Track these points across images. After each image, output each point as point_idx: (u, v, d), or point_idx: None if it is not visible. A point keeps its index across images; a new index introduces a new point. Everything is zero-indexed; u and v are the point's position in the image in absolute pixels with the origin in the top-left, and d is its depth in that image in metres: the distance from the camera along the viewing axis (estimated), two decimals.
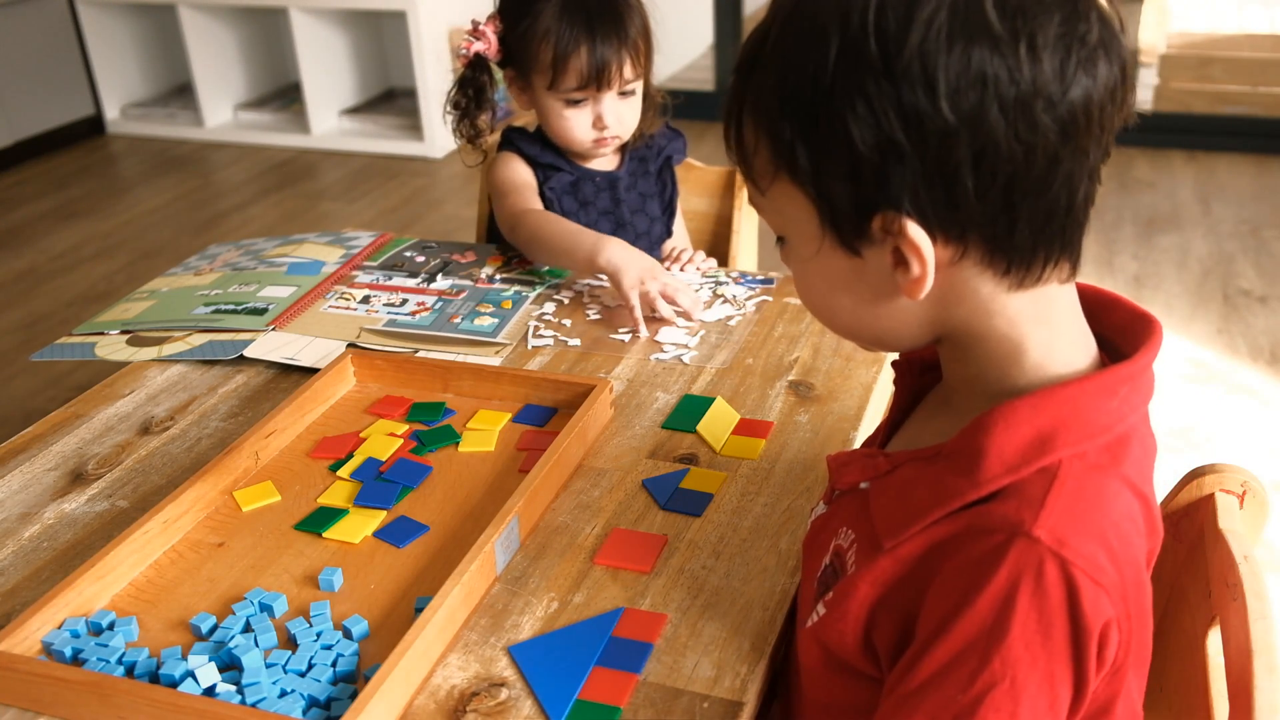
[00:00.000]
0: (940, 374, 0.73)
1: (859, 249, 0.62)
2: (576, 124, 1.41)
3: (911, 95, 0.55)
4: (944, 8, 0.55)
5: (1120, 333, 0.67)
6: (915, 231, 0.58)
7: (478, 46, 1.41)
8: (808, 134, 0.59)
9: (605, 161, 1.49)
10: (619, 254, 1.26)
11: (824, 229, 0.62)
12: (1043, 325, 0.63)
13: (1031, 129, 0.56)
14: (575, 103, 1.39)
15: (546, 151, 1.46)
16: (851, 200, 0.60)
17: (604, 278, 1.30)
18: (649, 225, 1.52)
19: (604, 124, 1.40)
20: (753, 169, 0.65)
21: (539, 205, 1.44)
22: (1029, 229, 0.59)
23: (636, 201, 1.51)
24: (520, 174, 1.46)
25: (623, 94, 1.40)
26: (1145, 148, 3.62)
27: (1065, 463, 0.60)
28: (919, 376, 0.76)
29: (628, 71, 1.37)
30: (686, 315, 1.27)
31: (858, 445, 1.02)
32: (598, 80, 1.36)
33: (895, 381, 0.77)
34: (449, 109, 1.47)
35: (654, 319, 1.26)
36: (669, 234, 1.55)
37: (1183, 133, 3.64)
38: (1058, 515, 0.58)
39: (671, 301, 1.25)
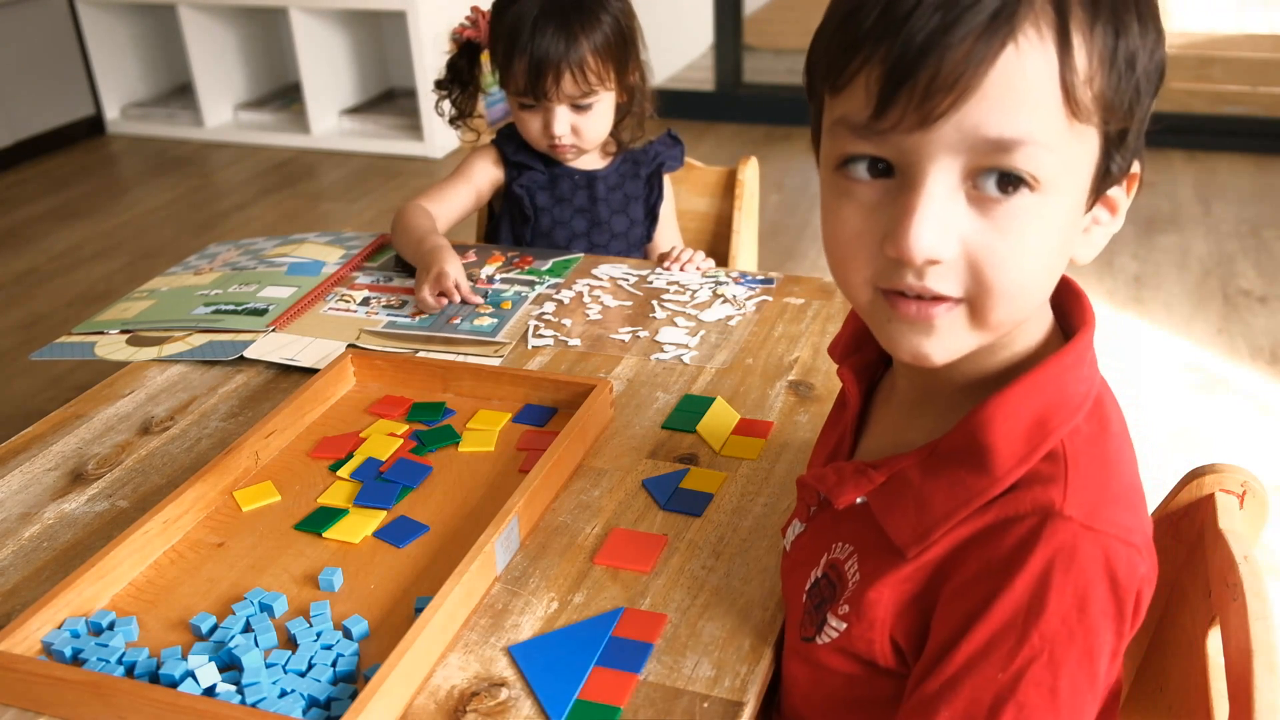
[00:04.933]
0: (875, 371, 0.75)
1: (1095, 202, 0.62)
2: (530, 127, 1.44)
3: (1163, 40, 0.59)
4: None
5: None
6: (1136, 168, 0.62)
7: (469, 32, 1.45)
8: (1151, 70, 0.58)
9: (589, 159, 1.50)
10: (426, 255, 1.32)
11: (1096, 176, 0.60)
12: None
13: None
14: (526, 106, 1.42)
15: (523, 150, 1.49)
16: (1138, 144, 0.61)
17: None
18: (628, 227, 1.53)
19: (552, 132, 1.41)
20: (1081, 98, 0.56)
21: (460, 201, 1.50)
22: None
23: (619, 202, 1.52)
24: (471, 169, 1.51)
25: (577, 107, 1.40)
26: (1145, 147, 3.61)
27: (1068, 441, 0.62)
28: (869, 378, 0.76)
29: (569, 87, 1.37)
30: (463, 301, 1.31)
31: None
32: (534, 91, 1.38)
33: (849, 385, 0.76)
34: (434, 88, 1.52)
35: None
36: (649, 239, 1.57)
37: (1183, 133, 3.64)
38: (1082, 492, 0.60)
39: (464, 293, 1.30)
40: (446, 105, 1.52)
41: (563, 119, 1.40)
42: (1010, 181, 0.56)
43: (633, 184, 1.53)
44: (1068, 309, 0.67)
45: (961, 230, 0.57)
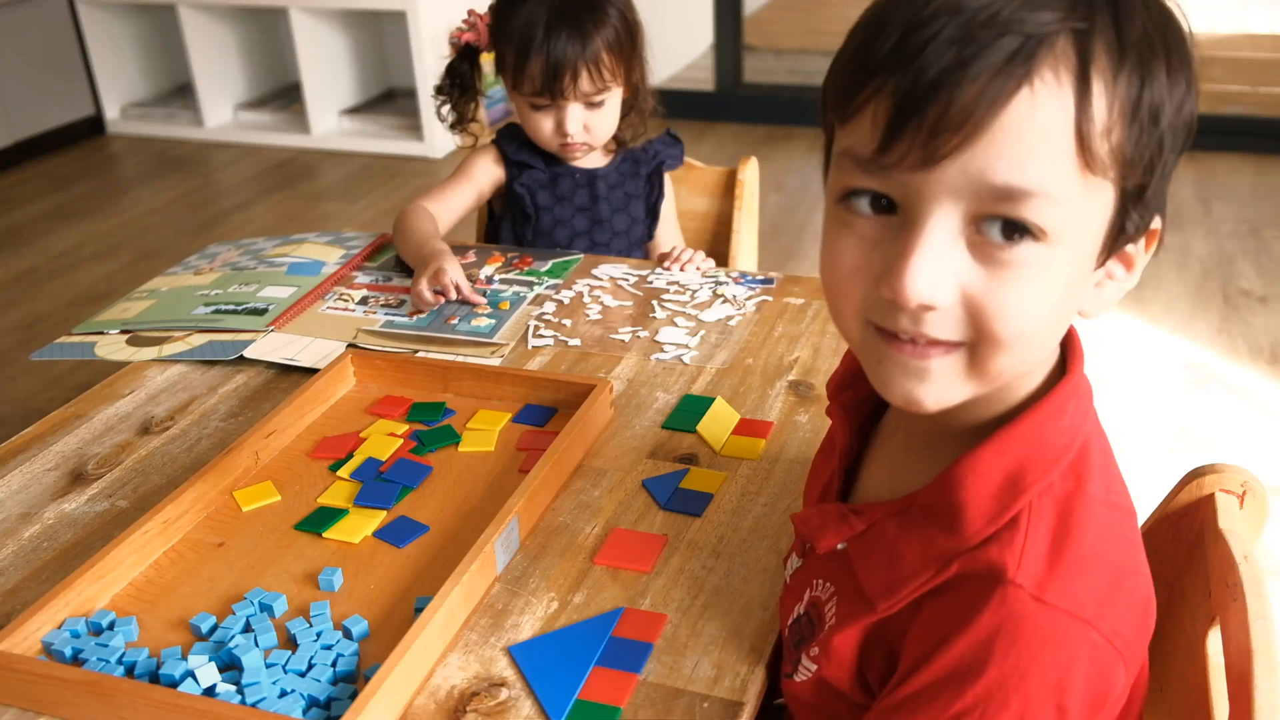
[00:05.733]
0: (871, 410, 0.73)
1: (1109, 258, 0.59)
2: (541, 127, 1.44)
3: (1195, 92, 0.56)
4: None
5: None
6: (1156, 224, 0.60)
7: (468, 36, 1.45)
8: (1175, 124, 0.56)
9: (590, 158, 1.50)
10: (426, 256, 1.32)
11: (1110, 232, 0.57)
12: None
13: None
14: (539, 106, 1.42)
15: (524, 149, 1.49)
16: (1156, 201, 0.58)
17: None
18: (629, 225, 1.54)
19: (565, 131, 1.42)
20: (1097, 149, 0.53)
21: (462, 201, 1.49)
22: None
23: (620, 200, 1.52)
24: (472, 169, 1.51)
25: (589, 104, 1.41)
26: None
27: (1035, 501, 0.60)
28: (862, 415, 0.74)
29: (585, 85, 1.38)
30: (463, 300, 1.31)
31: None
32: (550, 90, 1.38)
33: (839, 424, 0.74)
34: (434, 94, 1.52)
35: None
36: (650, 237, 1.57)
37: None
38: (1035, 559, 0.58)
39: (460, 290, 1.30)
40: (447, 111, 1.52)
41: (575, 117, 1.41)
42: (1015, 230, 0.54)
43: (633, 182, 1.53)
44: (1065, 350, 0.65)
45: (961, 276, 0.55)
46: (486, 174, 1.51)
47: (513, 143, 1.50)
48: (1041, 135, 0.52)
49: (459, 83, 1.49)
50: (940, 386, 0.58)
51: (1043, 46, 0.51)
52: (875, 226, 0.57)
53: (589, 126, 1.43)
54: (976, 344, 0.57)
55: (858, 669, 0.66)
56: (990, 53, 0.51)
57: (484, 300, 1.31)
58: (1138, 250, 0.60)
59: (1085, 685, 0.58)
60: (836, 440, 0.74)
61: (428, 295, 1.28)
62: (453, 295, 1.29)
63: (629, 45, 1.41)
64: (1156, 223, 0.60)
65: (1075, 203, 0.54)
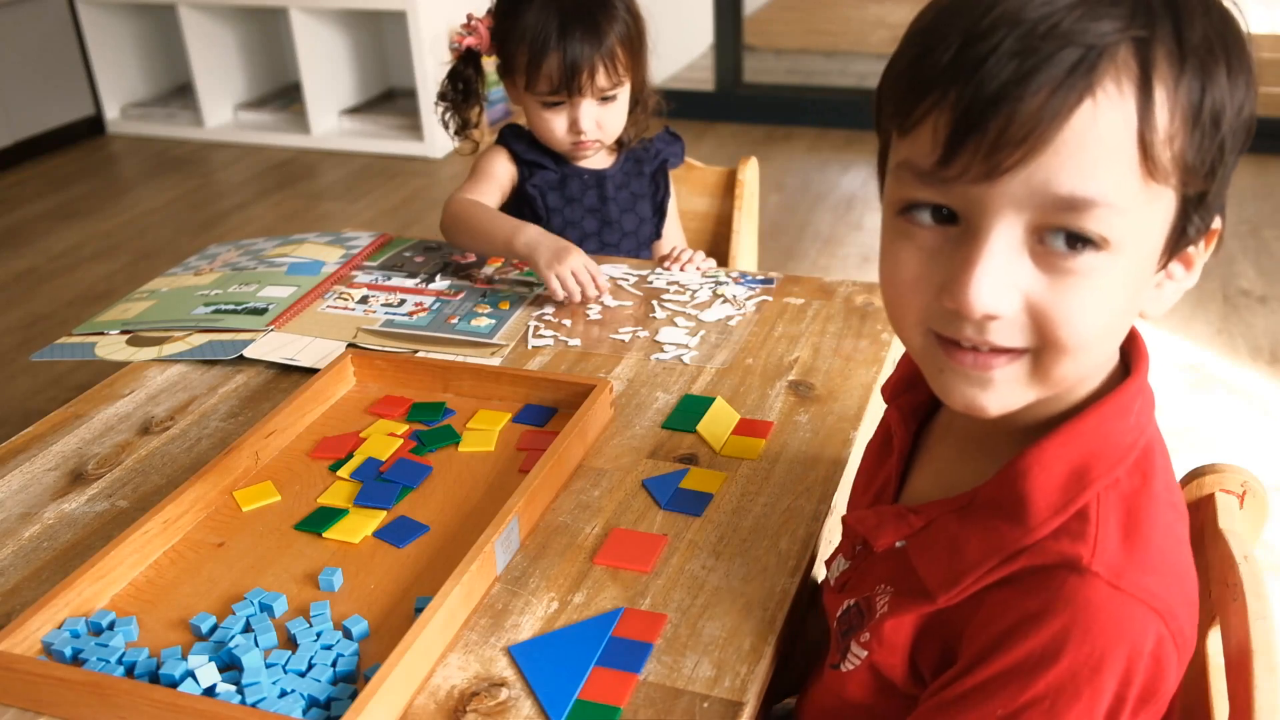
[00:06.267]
0: (925, 411, 0.73)
1: (1169, 261, 0.59)
2: (554, 126, 1.43)
3: (1254, 92, 0.56)
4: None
5: None
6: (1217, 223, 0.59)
7: (469, 40, 1.43)
8: (1236, 128, 0.55)
9: (596, 159, 1.50)
10: (533, 236, 1.30)
11: (1172, 237, 0.57)
12: None
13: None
14: (552, 105, 1.41)
15: (533, 149, 1.48)
16: (1217, 203, 0.58)
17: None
18: (637, 225, 1.53)
19: (579, 129, 1.41)
20: (1159, 156, 0.53)
21: (494, 200, 1.46)
22: None
23: (627, 200, 1.52)
24: (493, 167, 1.48)
25: (603, 100, 1.41)
26: None
27: (1104, 494, 0.60)
28: (919, 418, 0.75)
29: (601, 80, 1.38)
30: (598, 299, 1.29)
31: (855, 445, 1.02)
32: (568, 87, 1.38)
33: (896, 428, 0.74)
34: (437, 101, 1.50)
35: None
36: (658, 235, 1.57)
37: None
38: (1110, 547, 0.59)
39: (583, 285, 1.27)
40: (450, 118, 1.49)
41: (589, 114, 1.41)
42: (1078, 240, 0.54)
43: (638, 182, 1.53)
44: (1126, 351, 0.65)
45: (1024, 286, 0.55)
46: (506, 173, 1.49)
47: (521, 142, 1.49)
48: (1105, 146, 0.52)
49: (462, 88, 1.48)
50: (1003, 393, 0.59)
51: (1104, 57, 0.51)
52: (936, 237, 0.57)
53: (601, 123, 1.42)
54: (1040, 351, 0.57)
55: (910, 656, 0.66)
56: (1051, 65, 0.51)
57: (608, 288, 1.30)
58: (1198, 250, 0.60)
59: (1144, 677, 0.58)
60: (894, 442, 0.74)
61: (572, 285, 1.27)
62: (591, 292, 1.28)
63: (637, 39, 1.41)
64: (1216, 222, 0.59)
65: (1137, 211, 0.54)
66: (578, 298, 1.28)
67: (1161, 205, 0.55)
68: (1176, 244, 0.58)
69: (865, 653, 0.68)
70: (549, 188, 1.48)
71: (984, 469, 0.64)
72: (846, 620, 0.71)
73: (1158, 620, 0.58)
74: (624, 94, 1.43)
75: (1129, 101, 0.51)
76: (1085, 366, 0.60)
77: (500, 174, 1.49)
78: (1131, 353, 0.65)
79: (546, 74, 1.37)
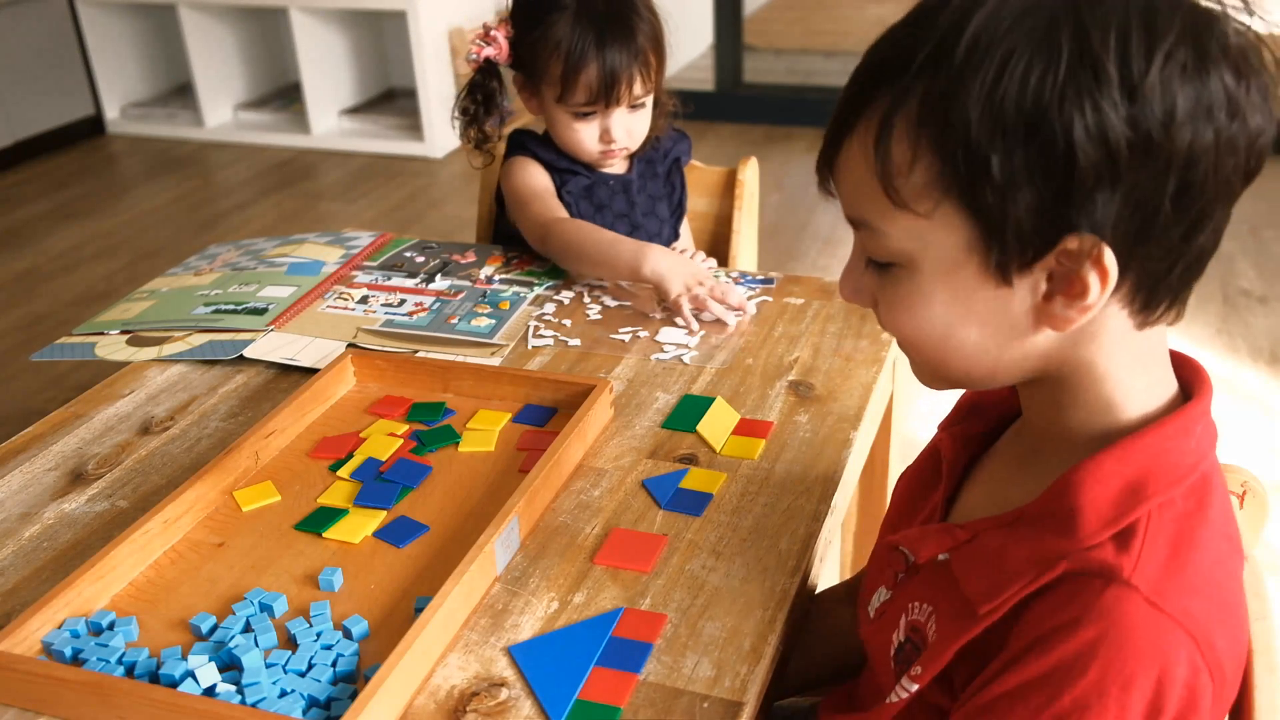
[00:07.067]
0: (978, 445, 0.75)
1: (1013, 277, 0.59)
2: (585, 136, 1.40)
3: (1146, 120, 0.54)
4: (1183, 43, 0.54)
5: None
6: (1109, 258, 0.56)
7: (488, 51, 1.39)
8: (1013, 147, 0.55)
9: (617, 165, 1.48)
10: (663, 263, 1.27)
11: (983, 253, 0.58)
12: (1146, 367, 0.63)
13: (1231, 169, 0.56)
14: (584, 115, 1.39)
15: (562, 157, 1.45)
16: (1040, 221, 0.56)
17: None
18: (659, 228, 1.52)
19: (611, 138, 1.40)
20: (900, 187, 0.59)
21: (563, 212, 1.42)
22: (1183, 268, 0.59)
23: (647, 204, 1.51)
24: (539, 179, 1.44)
25: (633, 107, 1.40)
26: None
27: (1156, 512, 0.60)
28: (971, 451, 0.76)
29: (638, 88, 1.37)
30: (740, 308, 1.27)
31: (855, 445, 1.02)
32: (606, 97, 1.36)
33: (947, 454, 0.76)
34: (457, 114, 1.45)
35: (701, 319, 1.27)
36: (676, 236, 1.55)
37: None
38: (1153, 565, 0.58)
39: (722, 301, 1.25)
40: (474, 132, 1.45)
41: (620, 122, 1.39)
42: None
43: (654, 184, 1.52)
44: (1187, 381, 0.65)
45: (871, 288, 0.66)
46: (550, 183, 1.45)
47: (547, 149, 1.45)
48: (859, 178, 0.61)
49: (484, 100, 1.44)
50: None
51: (875, 99, 0.59)
52: None
53: (630, 130, 1.41)
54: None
55: (946, 670, 0.66)
56: (841, 107, 0.62)
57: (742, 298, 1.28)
58: (1094, 280, 0.57)
59: (1178, 707, 0.57)
60: (943, 468, 0.76)
61: (690, 318, 1.25)
62: (717, 312, 1.25)
63: (661, 45, 1.40)
64: (1074, 243, 0.57)
65: (907, 234, 0.60)
66: (711, 319, 1.26)
67: (945, 227, 0.59)
68: (1001, 262, 0.58)
69: (915, 686, 0.68)
70: (580, 195, 1.46)
71: (1033, 489, 0.64)
72: (904, 657, 0.70)
73: (1192, 645, 0.57)
74: (650, 100, 1.42)
75: (869, 138, 0.59)
76: (941, 374, 0.66)
77: (549, 185, 1.45)
78: (1194, 381, 0.65)
79: (585, 85, 1.34)
